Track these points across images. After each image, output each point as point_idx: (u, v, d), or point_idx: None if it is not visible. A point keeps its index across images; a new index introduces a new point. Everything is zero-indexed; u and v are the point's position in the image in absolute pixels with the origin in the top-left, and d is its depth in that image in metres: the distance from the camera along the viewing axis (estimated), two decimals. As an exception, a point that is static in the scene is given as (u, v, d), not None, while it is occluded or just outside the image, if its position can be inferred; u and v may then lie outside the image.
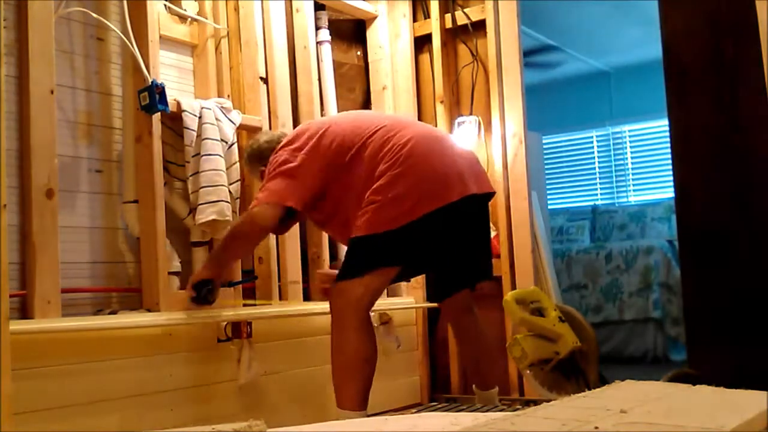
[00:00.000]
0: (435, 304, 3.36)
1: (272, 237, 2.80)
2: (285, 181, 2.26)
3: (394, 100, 3.50)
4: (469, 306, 2.60)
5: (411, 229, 2.16)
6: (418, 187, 2.18)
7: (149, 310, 2.38)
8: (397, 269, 2.28)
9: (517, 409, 1.64)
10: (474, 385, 2.67)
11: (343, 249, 3.17)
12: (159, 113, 2.42)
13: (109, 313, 2.31)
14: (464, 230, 2.38)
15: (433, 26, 3.50)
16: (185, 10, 2.72)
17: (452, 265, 2.47)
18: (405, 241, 2.19)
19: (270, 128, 2.86)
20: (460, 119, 3.44)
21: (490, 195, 2.44)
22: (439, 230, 2.25)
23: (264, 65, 2.87)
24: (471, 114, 3.44)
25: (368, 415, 2.25)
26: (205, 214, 2.46)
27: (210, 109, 2.58)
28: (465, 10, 3.45)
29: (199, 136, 2.53)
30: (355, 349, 2.21)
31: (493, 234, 3.31)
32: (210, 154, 2.51)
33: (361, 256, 2.22)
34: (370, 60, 3.53)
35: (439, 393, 3.37)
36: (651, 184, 6.28)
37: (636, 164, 6.41)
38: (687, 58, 2.59)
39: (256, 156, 2.52)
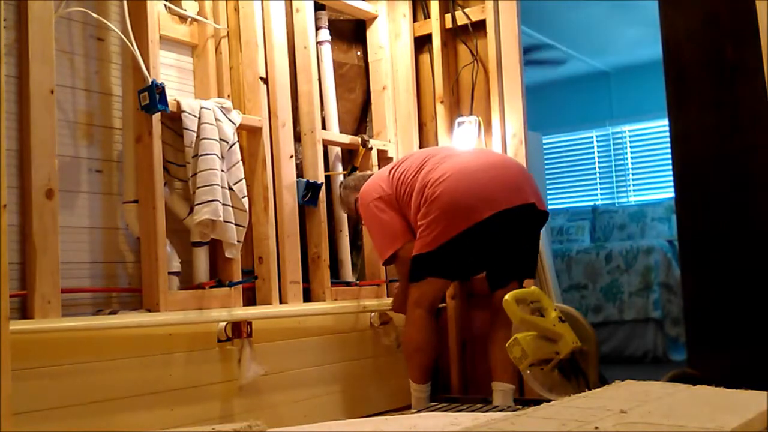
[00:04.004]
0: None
1: (272, 237, 2.80)
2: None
3: (394, 100, 3.50)
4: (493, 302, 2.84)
5: (443, 249, 2.63)
6: (442, 220, 2.63)
7: (149, 310, 2.37)
8: (439, 280, 2.75)
9: (517, 409, 1.64)
10: (493, 381, 2.83)
11: (343, 250, 3.20)
12: (159, 113, 2.42)
13: (109, 313, 2.30)
14: (499, 239, 2.70)
15: (433, 26, 3.50)
16: (185, 10, 2.72)
17: (493, 266, 2.83)
18: (440, 258, 2.66)
19: (270, 128, 2.86)
20: (460, 119, 3.44)
21: (529, 206, 2.70)
22: (469, 246, 2.65)
23: (264, 65, 2.87)
24: (471, 114, 3.44)
25: (368, 415, 2.26)
26: (200, 214, 2.46)
27: (209, 109, 2.58)
28: (465, 10, 3.45)
29: (198, 136, 2.52)
30: (410, 339, 2.79)
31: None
32: (206, 154, 2.50)
33: (414, 270, 2.73)
34: (370, 60, 3.53)
35: (439, 393, 3.37)
36: (651, 184, 6.28)
37: (636, 164, 6.41)
38: (687, 59, 2.59)
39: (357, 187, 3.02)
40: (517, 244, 2.75)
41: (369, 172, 3.17)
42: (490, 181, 2.66)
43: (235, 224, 2.58)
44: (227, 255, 2.61)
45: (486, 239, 2.65)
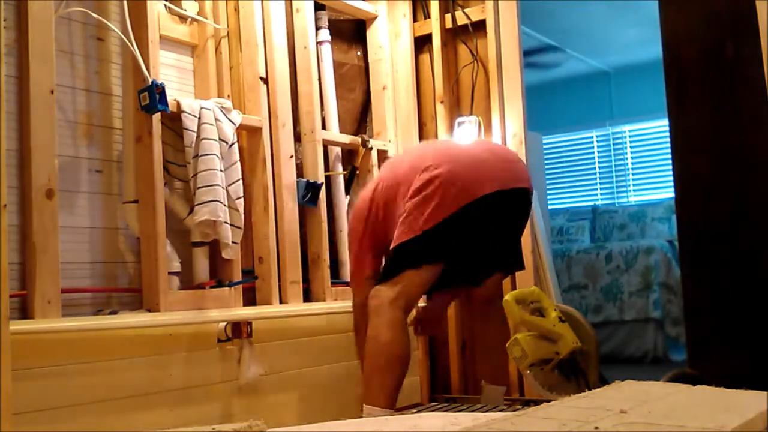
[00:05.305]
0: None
1: (272, 237, 2.80)
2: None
3: (394, 100, 3.50)
4: (495, 295, 2.66)
5: (434, 231, 2.30)
6: (438, 196, 2.32)
7: (149, 310, 2.37)
8: (428, 270, 2.36)
9: (517, 409, 1.64)
10: (483, 380, 2.73)
11: (343, 250, 3.19)
12: (159, 113, 2.41)
13: (109, 313, 2.31)
14: (493, 223, 2.46)
15: (433, 26, 3.50)
16: (185, 10, 2.72)
17: (481, 256, 2.54)
18: (432, 243, 2.32)
19: (270, 128, 2.86)
20: (460, 119, 3.44)
21: (522, 190, 2.50)
22: (466, 227, 2.36)
23: (264, 65, 2.87)
24: (471, 114, 3.44)
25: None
26: (200, 215, 2.46)
27: (209, 109, 2.58)
28: (465, 10, 3.45)
29: (198, 136, 2.52)
30: (385, 347, 2.26)
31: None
32: (206, 154, 2.50)
33: (394, 262, 2.37)
34: (370, 60, 3.53)
35: (439, 393, 3.37)
36: (651, 184, 6.29)
37: (636, 164, 6.42)
38: (687, 58, 2.59)
39: None
40: (512, 230, 2.58)
41: None
42: (489, 159, 2.44)
43: (231, 225, 2.58)
44: (224, 255, 2.61)
45: (484, 220, 2.38)
